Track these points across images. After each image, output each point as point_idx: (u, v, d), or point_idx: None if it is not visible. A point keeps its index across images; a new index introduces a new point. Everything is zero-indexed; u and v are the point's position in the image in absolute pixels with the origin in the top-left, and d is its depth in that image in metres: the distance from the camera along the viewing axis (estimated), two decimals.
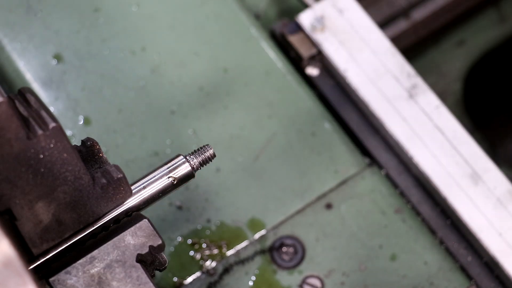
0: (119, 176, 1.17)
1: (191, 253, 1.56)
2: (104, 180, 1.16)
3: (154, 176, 1.23)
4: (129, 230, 1.19)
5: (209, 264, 1.56)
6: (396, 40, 1.85)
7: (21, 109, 1.12)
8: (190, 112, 1.65)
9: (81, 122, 1.64)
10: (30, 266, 1.16)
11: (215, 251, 1.56)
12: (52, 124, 1.10)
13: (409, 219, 1.58)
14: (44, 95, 1.65)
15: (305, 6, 1.71)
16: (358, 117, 1.66)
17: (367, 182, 1.61)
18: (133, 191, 1.20)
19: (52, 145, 1.10)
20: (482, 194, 1.56)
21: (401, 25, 1.94)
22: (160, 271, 1.23)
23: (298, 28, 1.69)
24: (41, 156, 1.10)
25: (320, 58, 1.69)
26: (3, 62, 1.67)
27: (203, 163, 1.26)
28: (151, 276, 1.19)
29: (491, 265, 1.54)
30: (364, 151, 1.64)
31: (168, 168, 1.24)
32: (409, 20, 1.94)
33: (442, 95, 2.00)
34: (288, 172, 1.61)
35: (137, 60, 1.68)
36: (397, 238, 1.57)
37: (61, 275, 1.16)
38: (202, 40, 1.70)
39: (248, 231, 1.58)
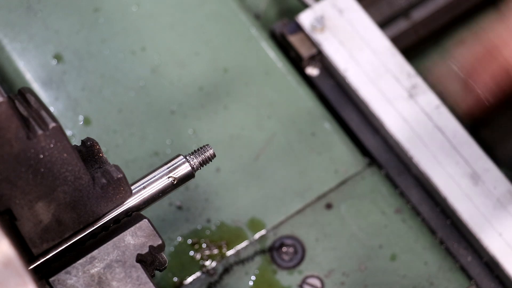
0: (119, 176, 1.17)
1: (191, 253, 1.56)
2: (104, 180, 1.16)
3: (154, 176, 1.23)
4: (129, 230, 1.19)
5: (209, 264, 1.56)
6: (396, 40, 1.84)
7: (21, 109, 1.12)
8: (190, 112, 1.65)
9: (81, 122, 1.64)
10: (30, 266, 1.16)
11: (215, 251, 1.56)
12: (52, 124, 1.10)
13: (409, 219, 1.58)
14: (44, 95, 1.65)
15: (305, 6, 1.71)
16: (358, 117, 1.66)
17: (367, 182, 1.61)
18: (133, 191, 1.20)
19: (52, 145, 1.10)
20: (482, 194, 1.56)
21: (401, 25, 1.94)
22: (160, 271, 1.23)
23: (298, 28, 1.69)
24: (41, 156, 1.10)
25: (320, 58, 1.69)
26: (3, 62, 1.67)
27: (203, 163, 1.26)
28: (151, 276, 1.19)
29: (491, 265, 1.54)
30: (364, 151, 1.64)
31: (168, 168, 1.24)
32: (409, 20, 1.94)
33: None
34: (288, 172, 1.61)
35: (137, 60, 1.68)
36: (397, 238, 1.57)
37: (61, 275, 1.16)
38: (202, 40, 1.70)
39: (248, 231, 1.58)
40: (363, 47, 1.67)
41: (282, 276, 1.55)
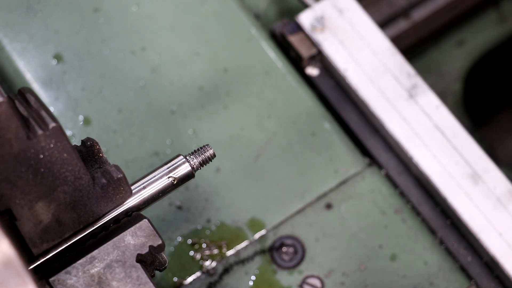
0: (119, 176, 1.17)
1: (191, 253, 1.56)
2: (104, 180, 1.16)
3: (154, 176, 1.23)
4: (129, 230, 1.19)
5: (209, 264, 1.56)
6: (396, 40, 1.85)
7: (21, 109, 1.12)
8: (190, 112, 1.65)
9: (81, 122, 1.64)
10: (30, 266, 1.16)
11: (215, 251, 1.56)
12: (52, 124, 1.10)
13: (409, 219, 1.58)
14: (44, 95, 1.65)
15: (305, 6, 1.71)
16: (358, 117, 1.66)
17: (367, 182, 1.61)
18: (133, 191, 1.20)
19: (52, 145, 1.10)
20: (482, 194, 1.56)
21: (401, 25, 1.94)
22: (160, 271, 1.23)
23: (298, 28, 1.69)
24: (41, 156, 1.10)
25: (320, 58, 1.69)
26: (3, 62, 1.67)
27: (203, 163, 1.26)
28: (151, 276, 1.19)
29: (491, 265, 1.54)
30: (364, 151, 1.65)
31: (168, 168, 1.24)
32: (409, 20, 1.94)
33: (442, 95, 2.00)
34: (288, 172, 1.61)
35: (137, 60, 1.68)
36: (397, 238, 1.57)
37: (61, 275, 1.16)
38: (202, 40, 1.70)
39: (248, 231, 1.58)
40: (363, 47, 1.67)
41: (282, 276, 1.55)
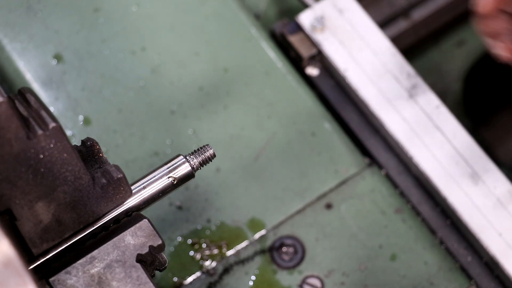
0: (119, 176, 1.17)
1: (191, 253, 1.56)
2: (104, 180, 1.16)
3: (154, 176, 1.23)
4: (129, 230, 1.19)
5: (209, 264, 1.56)
6: (396, 40, 1.85)
7: (21, 109, 1.12)
8: (190, 112, 1.65)
9: (81, 122, 1.64)
10: (30, 266, 1.16)
11: (215, 251, 1.56)
12: (52, 124, 1.10)
13: (409, 219, 1.58)
14: (44, 95, 1.65)
15: (305, 6, 1.71)
16: (358, 117, 1.66)
17: (367, 182, 1.61)
18: (133, 191, 1.20)
19: (52, 145, 1.10)
20: (482, 194, 1.56)
21: (401, 25, 1.94)
22: (160, 271, 1.23)
23: (298, 28, 1.69)
24: (41, 156, 1.10)
25: (320, 58, 1.69)
26: (3, 62, 1.67)
27: (203, 163, 1.26)
28: (151, 276, 1.19)
29: (491, 265, 1.54)
30: (364, 151, 1.65)
31: (168, 168, 1.24)
32: (409, 20, 1.94)
33: (442, 95, 2.00)
34: (288, 172, 1.61)
35: (137, 60, 1.68)
36: (397, 238, 1.57)
37: (61, 275, 1.16)
38: (202, 40, 1.70)
39: (248, 231, 1.58)
40: (363, 47, 1.67)
41: (282, 276, 1.55)
